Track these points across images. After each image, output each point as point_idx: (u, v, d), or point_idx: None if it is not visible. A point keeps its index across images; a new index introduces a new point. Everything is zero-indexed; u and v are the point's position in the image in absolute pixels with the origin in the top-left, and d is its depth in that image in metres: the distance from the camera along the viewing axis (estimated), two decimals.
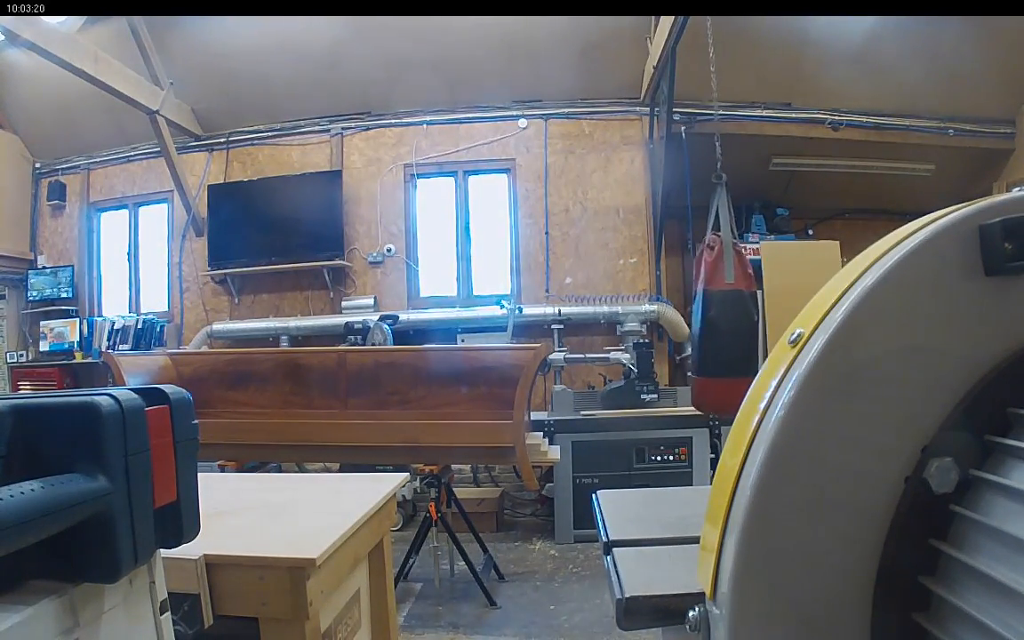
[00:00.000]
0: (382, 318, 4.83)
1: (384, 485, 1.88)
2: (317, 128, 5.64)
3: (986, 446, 0.66)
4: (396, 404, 3.44)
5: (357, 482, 2.02)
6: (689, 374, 3.80)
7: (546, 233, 5.37)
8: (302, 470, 4.54)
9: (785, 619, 0.67)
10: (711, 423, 4.24)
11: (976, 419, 0.66)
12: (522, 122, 5.44)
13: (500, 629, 3.06)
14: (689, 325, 5.10)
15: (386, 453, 3.43)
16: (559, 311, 5.15)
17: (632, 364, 4.54)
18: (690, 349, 4.30)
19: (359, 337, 4.73)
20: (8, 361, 5.79)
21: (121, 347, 5.38)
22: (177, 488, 0.83)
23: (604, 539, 1.09)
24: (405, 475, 2.07)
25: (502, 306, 4.99)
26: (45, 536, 0.66)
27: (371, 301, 5.41)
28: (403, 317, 5.09)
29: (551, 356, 4.75)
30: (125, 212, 6.07)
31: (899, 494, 0.66)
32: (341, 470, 3.94)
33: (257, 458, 4.12)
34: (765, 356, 0.78)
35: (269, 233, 5.46)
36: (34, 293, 5.91)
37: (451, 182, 5.63)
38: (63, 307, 5.89)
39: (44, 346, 5.73)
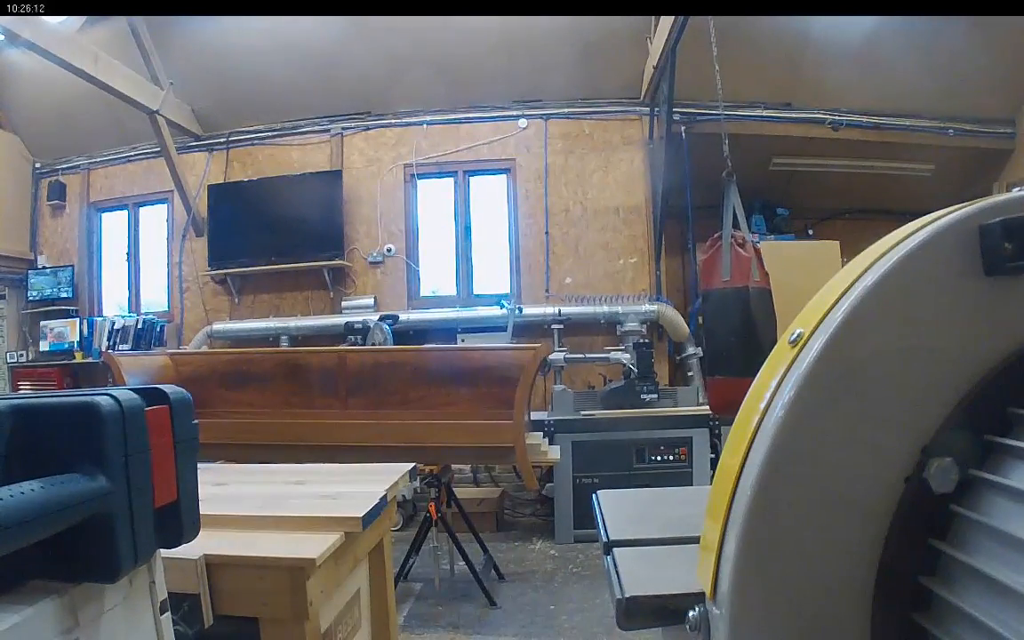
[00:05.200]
0: (382, 318, 4.83)
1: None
2: (317, 128, 5.64)
3: (986, 446, 0.65)
4: (396, 404, 3.44)
5: None
6: (708, 376, 3.69)
7: (546, 233, 5.36)
8: None
9: (785, 619, 0.67)
10: (711, 423, 4.24)
11: (976, 419, 0.66)
12: (522, 122, 5.44)
13: (500, 629, 3.06)
14: (690, 325, 5.12)
15: (386, 453, 3.42)
16: (559, 311, 5.14)
17: (632, 364, 4.54)
18: (704, 350, 4.22)
19: (359, 337, 4.72)
20: (8, 361, 5.78)
21: (121, 347, 5.38)
22: (177, 488, 0.83)
23: (604, 539, 1.09)
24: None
25: (502, 306, 4.99)
26: (45, 536, 0.66)
27: (371, 301, 5.40)
28: (403, 317, 5.08)
29: (551, 356, 4.75)
30: (125, 212, 6.08)
31: (899, 494, 0.66)
32: None
33: (257, 458, 4.10)
34: None
35: (269, 233, 5.46)
36: (34, 293, 5.91)
37: (451, 182, 5.63)
38: (63, 307, 5.89)
39: (44, 346, 5.73)
